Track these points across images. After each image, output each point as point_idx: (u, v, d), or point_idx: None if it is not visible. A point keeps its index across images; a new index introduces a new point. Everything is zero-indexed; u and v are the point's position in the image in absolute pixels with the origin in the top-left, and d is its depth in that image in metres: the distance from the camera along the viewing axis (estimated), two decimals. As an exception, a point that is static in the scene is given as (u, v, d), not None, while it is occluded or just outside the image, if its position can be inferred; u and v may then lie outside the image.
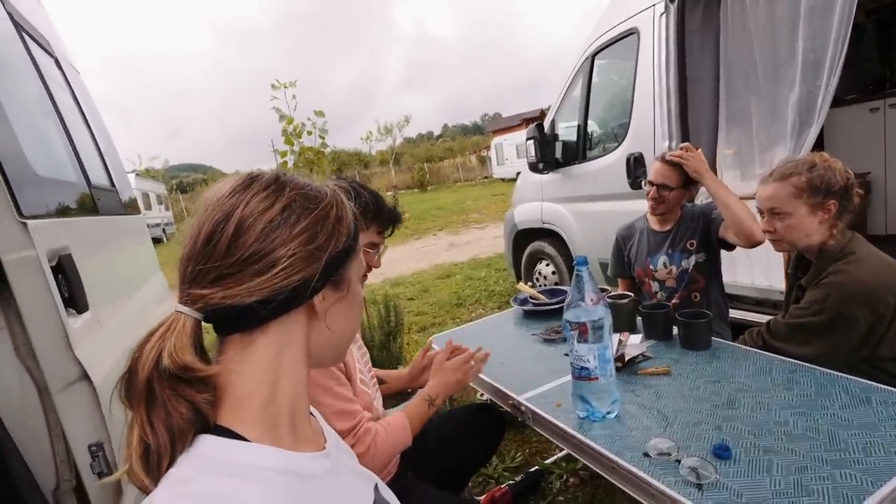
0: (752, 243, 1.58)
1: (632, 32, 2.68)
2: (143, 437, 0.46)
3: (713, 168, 2.59)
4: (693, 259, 1.79)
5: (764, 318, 2.22)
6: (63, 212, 1.15)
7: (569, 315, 1.02)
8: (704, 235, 1.78)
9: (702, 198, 2.48)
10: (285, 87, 2.66)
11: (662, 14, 2.46)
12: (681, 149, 1.74)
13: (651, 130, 2.57)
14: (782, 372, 1.17)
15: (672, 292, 1.83)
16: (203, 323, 0.51)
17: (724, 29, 2.47)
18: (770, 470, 0.84)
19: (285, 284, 0.50)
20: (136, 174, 17.15)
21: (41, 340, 0.92)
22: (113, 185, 1.88)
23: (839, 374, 1.12)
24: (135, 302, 1.56)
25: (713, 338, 1.39)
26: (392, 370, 1.58)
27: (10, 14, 1.27)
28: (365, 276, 1.27)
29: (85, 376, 0.99)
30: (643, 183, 1.90)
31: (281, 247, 0.50)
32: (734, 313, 2.35)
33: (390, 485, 1.17)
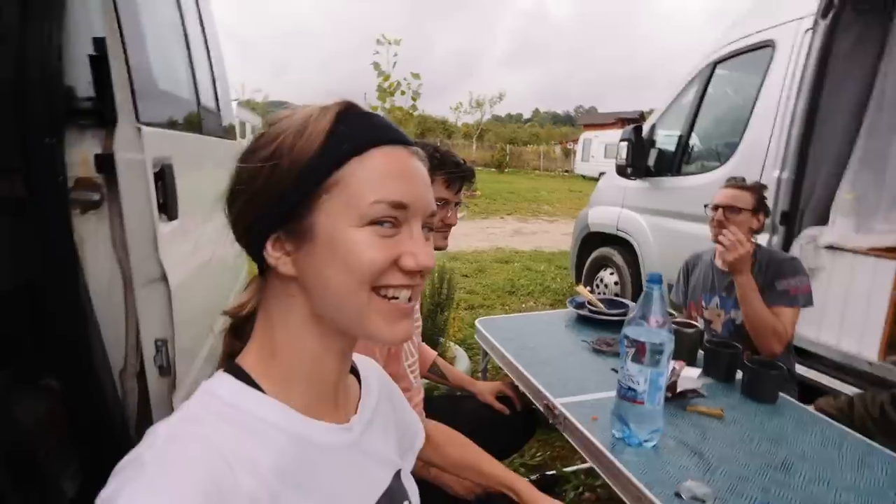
0: (769, 356, 1.51)
1: (767, 45, 2.42)
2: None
3: (826, 212, 2.33)
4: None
5: (841, 386, 2.02)
6: (172, 124, 1.24)
7: (628, 331, 0.97)
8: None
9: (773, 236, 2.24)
10: (390, 43, 2.68)
11: (809, 30, 2.19)
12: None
13: (762, 156, 2.34)
14: (854, 450, 1.05)
15: (715, 337, 1.69)
16: None
17: (888, 55, 2.16)
18: (815, 550, 0.76)
19: (237, 229, 0.50)
20: (239, 103, 18.27)
21: (134, 237, 1.01)
22: (219, 108, 2.00)
23: (923, 469, 0.99)
24: (217, 220, 1.67)
25: (781, 395, 1.27)
26: (454, 370, 1.56)
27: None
28: (445, 230, 1.16)
29: (164, 277, 1.08)
30: (707, 209, 1.70)
31: (234, 184, 0.49)
32: (808, 372, 2.14)
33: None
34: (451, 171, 1.11)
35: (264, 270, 0.51)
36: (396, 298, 0.47)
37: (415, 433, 0.74)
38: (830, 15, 2.07)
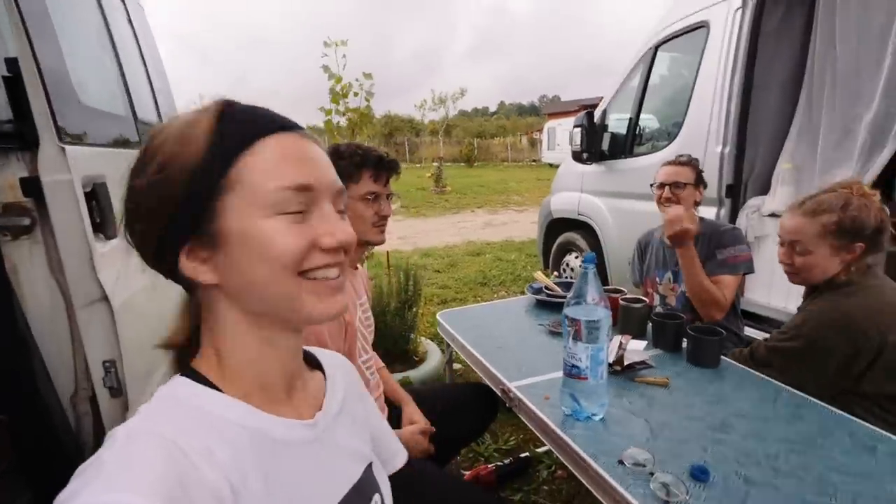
0: (710, 321, 1.59)
1: (701, 26, 2.51)
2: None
3: (767, 183, 2.44)
4: None
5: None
6: (104, 142, 1.21)
7: (568, 311, 1.01)
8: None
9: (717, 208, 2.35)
10: (337, 45, 2.67)
11: (738, 10, 2.28)
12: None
13: (705, 133, 2.44)
14: (788, 404, 1.12)
15: (672, 310, 1.76)
16: None
17: (817, 28, 2.27)
18: (745, 502, 0.81)
19: (145, 254, 0.49)
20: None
21: (70, 259, 1.00)
22: (161, 122, 1.96)
23: (849, 416, 1.06)
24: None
25: (724, 358, 1.34)
26: (392, 383, 1.48)
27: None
28: (381, 224, 1.20)
29: (105, 298, 1.06)
30: (652, 188, 1.80)
31: (128, 207, 0.48)
32: (760, 336, 2.24)
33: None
34: (376, 165, 1.17)
35: (190, 287, 0.51)
36: (326, 278, 0.48)
37: (394, 453, 0.75)
38: (756, -7, 2.17)
